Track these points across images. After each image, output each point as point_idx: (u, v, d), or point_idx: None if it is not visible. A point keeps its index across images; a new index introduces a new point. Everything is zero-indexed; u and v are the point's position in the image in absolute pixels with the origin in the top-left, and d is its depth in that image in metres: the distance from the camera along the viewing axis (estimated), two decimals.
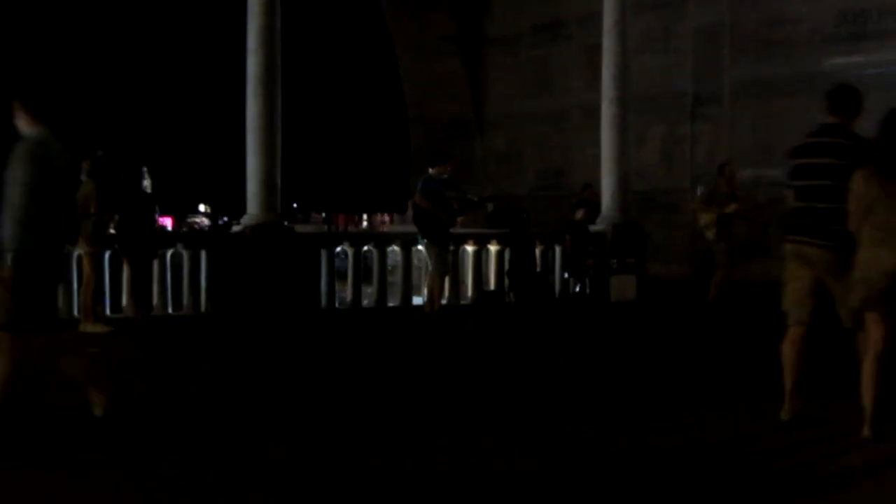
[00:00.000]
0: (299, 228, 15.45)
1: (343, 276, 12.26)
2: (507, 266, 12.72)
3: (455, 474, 4.66)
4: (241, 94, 11.92)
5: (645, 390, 6.87)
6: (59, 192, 5.30)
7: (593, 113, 14.71)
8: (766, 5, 15.43)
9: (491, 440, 5.31)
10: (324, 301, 11.84)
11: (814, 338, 5.54)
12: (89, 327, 9.53)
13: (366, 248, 12.25)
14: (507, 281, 12.71)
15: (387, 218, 49.69)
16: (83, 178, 9.56)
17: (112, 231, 10.03)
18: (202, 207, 64.62)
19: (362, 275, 12.24)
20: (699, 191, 12.42)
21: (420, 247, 11.35)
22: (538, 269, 12.98)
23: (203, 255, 11.31)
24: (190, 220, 56.55)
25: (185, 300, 11.27)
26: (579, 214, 13.25)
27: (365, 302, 12.17)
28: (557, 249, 13.33)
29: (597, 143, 14.34)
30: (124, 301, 10.61)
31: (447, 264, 11.04)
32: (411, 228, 11.59)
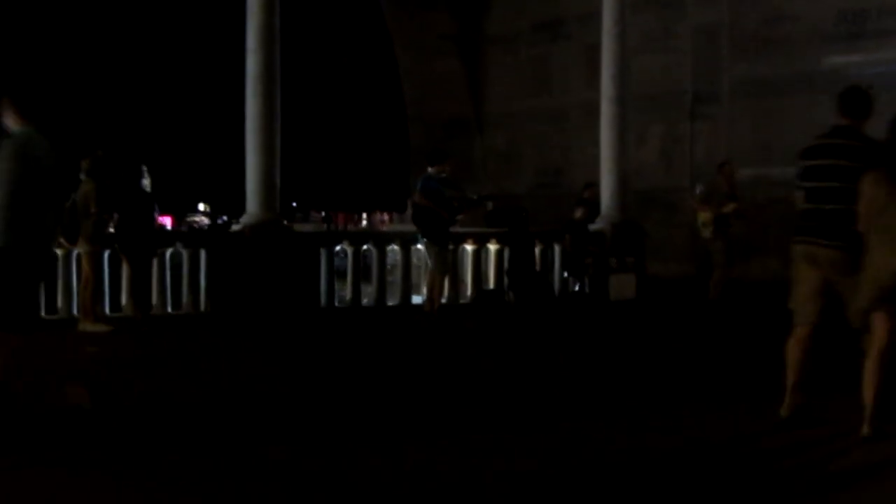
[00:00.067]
0: (298, 227, 15.50)
1: (342, 275, 12.26)
2: (506, 265, 12.72)
3: (455, 474, 4.66)
4: (241, 94, 11.92)
5: (644, 389, 6.87)
6: (45, 191, 5.26)
7: (593, 112, 14.70)
8: (765, 4, 15.43)
9: (491, 440, 5.31)
10: (323, 300, 11.84)
11: (819, 337, 5.56)
12: (89, 326, 9.53)
13: (365, 247, 12.24)
14: (506, 280, 12.71)
15: (386, 217, 49.73)
16: (83, 177, 9.59)
17: (111, 230, 10.03)
18: (201, 206, 64.71)
19: (361, 274, 12.24)
20: (698, 189, 12.44)
21: (420, 246, 11.37)
22: (537, 269, 12.98)
23: (202, 254, 11.31)
24: (189, 219, 56.62)
25: (185, 299, 11.26)
26: (578, 213, 13.26)
27: (364, 301, 12.17)
28: (557, 248, 13.34)
29: (596, 142, 14.34)
30: (124, 300, 10.62)
31: (447, 263, 11.05)
32: (411, 227, 11.61)
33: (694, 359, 8.31)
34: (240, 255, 11.32)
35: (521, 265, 12.57)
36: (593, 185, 14.09)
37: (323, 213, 57.24)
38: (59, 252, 10.16)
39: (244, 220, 11.84)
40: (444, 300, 11.30)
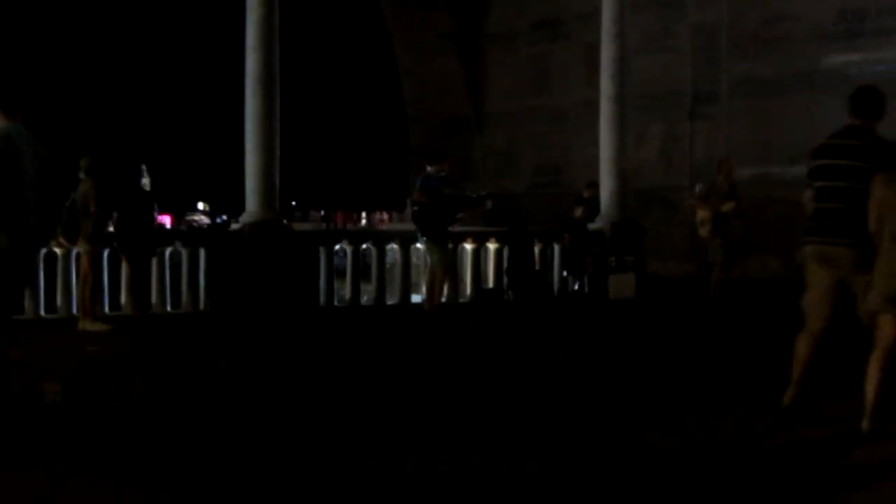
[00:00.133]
0: (298, 226, 15.49)
1: (342, 274, 12.26)
2: (505, 264, 12.72)
3: (455, 474, 4.65)
4: (240, 93, 11.92)
5: (644, 389, 6.86)
6: (30, 189, 5.22)
7: (592, 111, 14.71)
8: (764, 4, 15.44)
9: (491, 440, 5.30)
10: (322, 299, 11.84)
11: (829, 336, 5.57)
12: (88, 325, 9.53)
13: (364, 246, 12.25)
14: (505, 279, 12.71)
15: (385, 216, 49.74)
16: (82, 176, 9.58)
17: (111, 229, 10.02)
18: (201, 205, 64.74)
19: (361, 273, 12.24)
20: (697, 188, 12.44)
21: (419, 245, 11.36)
22: (537, 268, 12.98)
23: (202, 253, 11.31)
24: (189, 217, 56.62)
25: (184, 298, 11.26)
26: (578, 212, 13.27)
27: (364, 300, 12.17)
28: (556, 247, 13.34)
29: (596, 141, 14.34)
30: (123, 299, 10.61)
31: (447, 262, 11.04)
32: (410, 226, 11.61)
33: (694, 358, 8.31)
34: (239, 254, 11.32)
35: (521, 264, 12.57)
36: (595, 185, 14.10)
37: (322, 212, 57.29)
38: (58, 251, 10.17)
39: (243, 218, 11.84)
40: (443, 299, 11.30)
